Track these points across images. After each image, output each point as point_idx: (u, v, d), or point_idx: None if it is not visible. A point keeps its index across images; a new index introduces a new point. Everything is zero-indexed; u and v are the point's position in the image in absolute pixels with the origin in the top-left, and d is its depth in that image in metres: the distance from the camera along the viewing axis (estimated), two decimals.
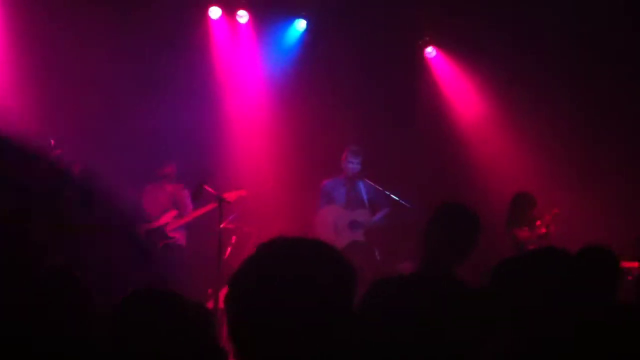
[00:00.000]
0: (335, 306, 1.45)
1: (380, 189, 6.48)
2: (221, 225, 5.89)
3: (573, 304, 2.18)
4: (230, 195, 6.15)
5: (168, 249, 6.70)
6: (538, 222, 6.44)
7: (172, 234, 6.72)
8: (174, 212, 6.75)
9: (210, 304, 5.71)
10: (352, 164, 6.47)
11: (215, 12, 7.81)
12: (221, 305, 6.00)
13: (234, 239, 6.82)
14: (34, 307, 1.70)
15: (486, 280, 2.05)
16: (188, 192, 6.67)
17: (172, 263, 6.68)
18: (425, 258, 2.80)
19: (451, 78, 8.29)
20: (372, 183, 6.52)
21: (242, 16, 7.87)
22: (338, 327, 1.45)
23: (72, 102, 7.01)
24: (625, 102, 7.52)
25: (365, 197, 6.50)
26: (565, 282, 2.39)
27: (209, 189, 5.85)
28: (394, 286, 2.63)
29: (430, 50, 8.21)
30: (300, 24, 8.05)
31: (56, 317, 1.75)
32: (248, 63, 8.00)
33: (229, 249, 6.74)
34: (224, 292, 6.39)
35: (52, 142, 6.23)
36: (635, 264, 5.82)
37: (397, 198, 6.41)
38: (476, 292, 2.19)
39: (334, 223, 6.42)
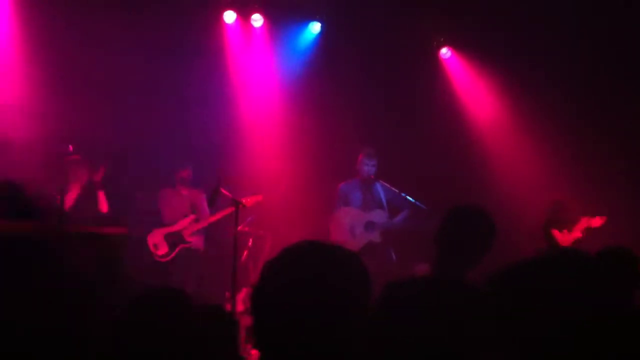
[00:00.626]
0: (355, 309, 1.47)
1: (397, 190, 6.47)
2: (237, 229, 5.92)
3: (586, 306, 2.16)
4: (247, 201, 6.22)
5: (186, 253, 6.75)
6: (575, 227, 6.66)
7: (189, 238, 6.77)
8: (192, 217, 6.80)
9: (227, 307, 5.74)
10: (368, 166, 6.47)
11: (229, 16, 7.84)
12: (238, 308, 6.03)
13: (250, 242, 6.85)
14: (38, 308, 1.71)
15: (496, 283, 2.05)
16: (205, 196, 6.71)
17: (191, 267, 6.73)
18: (439, 261, 2.80)
19: (466, 79, 8.27)
20: (388, 185, 6.51)
21: (257, 20, 7.89)
22: (358, 329, 1.47)
23: (86, 107, 7.07)
24: None
25: (383, 198, 6.49)
26: (580, 284, 2.38)
27: (226, 193, 5.89)
28: (406, 289, 2.63)
29: (445, 52, 8.20)
30: (315, 27, 8.07)
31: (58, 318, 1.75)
32: (263, 66, 8.03)
33: (245, 252, 6.78)
34: (241, 295, 6.45)
35: (70, 147, 6.31)
36: None
37: (412, 200, 6.39)
38: (487, 295, 2.18)
39: (350, 224, 6.41)
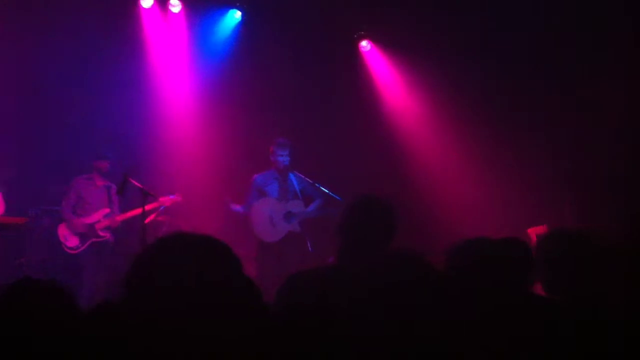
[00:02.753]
0: (227, 296, 1.48)
1: (311, 181, 6.50)
2: (146, 220, 5.77)
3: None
4: (165, 200, 6.35)
5: (97, 247, 6.53)
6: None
7: (102, 232, 6.55)
8: (105, 210, 6.58)
9: None
10: (282, 157, 6.45)
11: (147, 1, 7.63)
12: None
13: (164, 231, 6.72)
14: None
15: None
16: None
17: (102, 259, 6.51)
18: (341, 251, 2.81)
19: (385, 72, 8.35)
20: (302, 175, 6.52)
21: (175, 5, 7.72)
22: (232, 315, 1.48)
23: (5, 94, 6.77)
24: (551, 102, 7.63)
25: (297, 188, 6.51)
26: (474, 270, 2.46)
27: (135, 183, 5.71)
28: (308, 279, 2.64)
29: (365, 44, 8.25)
30: (235, 15, 7.96)
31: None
32: (181, 54, 7.86)
33: None
34: None
35: None
36: None
37: (327, 191, 6.43)
38: (388, 282, 2.20)
39: (269, 215, 6.40)
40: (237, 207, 6.36)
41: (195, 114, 7.84)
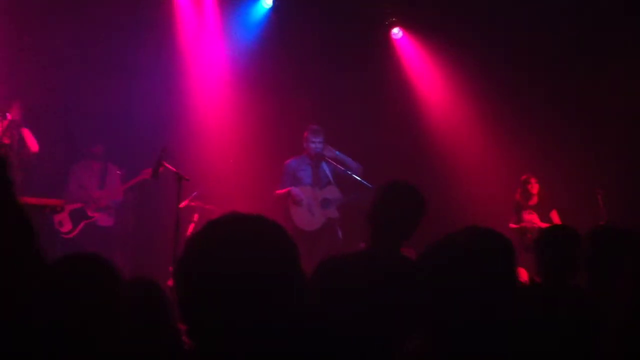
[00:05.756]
0: (279, 279, 1.45)
1: (343, 168, 6.50)
2: (181, 204, 5.85)
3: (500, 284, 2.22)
4: (147, 172, 6.29)
5: (92, 229, 6.69)
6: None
7: (92, 213, 6.69)
8: (96, 192, 6.76)
9: (170, 282, 5.69)
10: (315, 144, 6.46)
11: None
12: None
13: (196, 216, 6.80)
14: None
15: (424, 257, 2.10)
16: (120, 172, 6.83)
17: (94, 243, 6.52)
18: (372, 237, 2.84)
19: (417, 59, 8.31)
20: (334, 163, 6.53)
21: None
22: (284, 299, 1.45)
23: (36, 81, 6.89)
24: (587, 90, 7.54)
25: (330, 175, 6.52)
26: (497, 262, 2.45)
27: (169, 167, 5.78)
28: (340, 263, 2.68)
29: (396, 31, 8.21)
30: (267, 1, 7.99)
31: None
32: (213, 40, 7.91)
33: (191, 226, 6.71)
34: None
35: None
36: None
37: (359, 178, 6.43)
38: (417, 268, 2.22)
39: (307, 203, 6.42)
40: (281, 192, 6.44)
41: (227, 100, 7.90)
